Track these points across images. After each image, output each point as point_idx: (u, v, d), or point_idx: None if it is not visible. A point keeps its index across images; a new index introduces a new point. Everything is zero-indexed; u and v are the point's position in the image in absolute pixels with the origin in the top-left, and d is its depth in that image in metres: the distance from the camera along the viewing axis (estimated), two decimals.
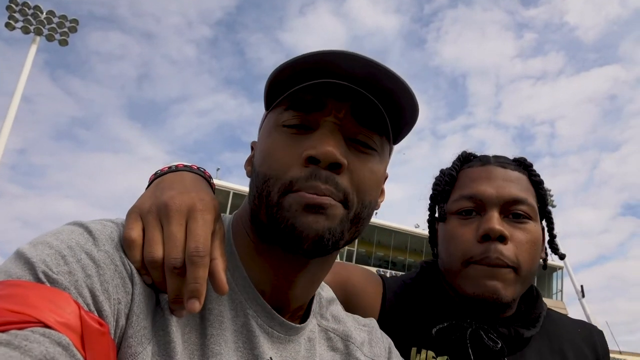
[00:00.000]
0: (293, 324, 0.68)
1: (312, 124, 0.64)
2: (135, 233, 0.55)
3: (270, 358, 0.63)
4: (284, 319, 0.67)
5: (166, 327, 0.55)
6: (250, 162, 0.74)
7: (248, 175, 0.72)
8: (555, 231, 1.04)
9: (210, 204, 0.60)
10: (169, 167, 0.70)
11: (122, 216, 0.61)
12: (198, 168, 0.72)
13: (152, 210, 0.57)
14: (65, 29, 19.62)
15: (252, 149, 0.76)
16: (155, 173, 0.70)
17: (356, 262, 28.71)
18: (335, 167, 0.60)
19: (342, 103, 0.63)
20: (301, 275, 0.67)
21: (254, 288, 0.65)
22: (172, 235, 0.54)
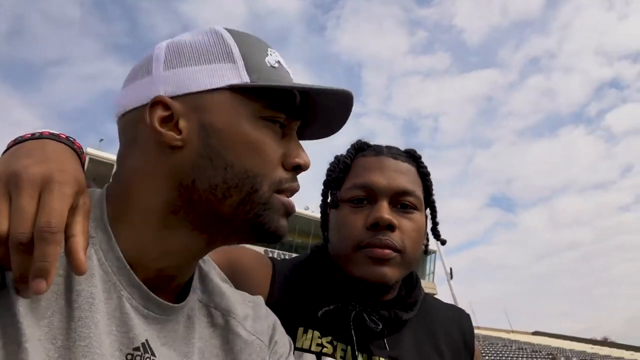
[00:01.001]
0: (170, 303, 0.65)
1: (286, 130, 0.67)
2: None
3: (147, 340, 0.60)
4: (161, 300, 0.63)
5: (12, 307, 0.50)
6: (169, 124, 0.61)
7: (172, 143, 0.60)
8: (437, 219, 1.11)
9: (71, 176, 0.54)
10: (32, 134, 0.62)
11: None
12: (67, 138, 0.64)
13: (1, 179, 0.51)
14: None
15: (165, 105, 0.61)
16: (15, 140, 0.62)
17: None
18: (302, 170, 0.67)
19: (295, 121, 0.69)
20: (199, 256, 0.68)
21: (129, 269, 0.60)
22: (20, 207, 0.48)
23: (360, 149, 1.08)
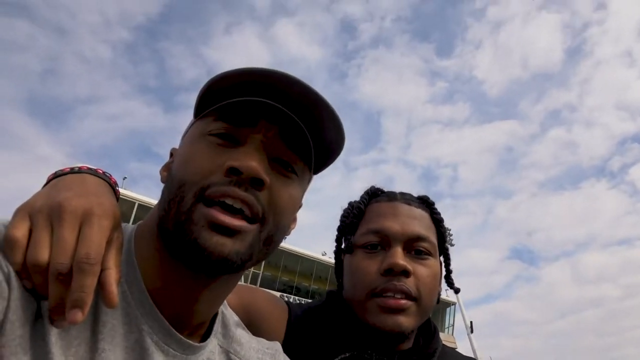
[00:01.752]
0: (192, 342, 0.66)
1: (239, 138, 0.64)
2: (20, 232, 0.51)
3: None
4: (182, 336, 0.64)
5: (46, 337, 0.51)
6: (167, 168, 0.71)
7: (162, 181, 0.69)
8: (451, 267, 1.09)
9: (109, 209, 0.56)
10: (71, 168, 0.65)
11: (8, 216, 0.55)
12: (104, 173, 0.68)
13: (43, 210, 0.53)
14: None
15: (172, 155, 0.74)
16: (55, 173, 0.65)
17: (261, 286, 28.39)
18: (257, 183, 0.60)
19: (272, 124, 0.64)
20: (205, 292, 0.65)
21: (151, 303, 0.62)
22: (61, 238, 0.50)
23: (374, 195, 1.09)
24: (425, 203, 1.08)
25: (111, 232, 0.55)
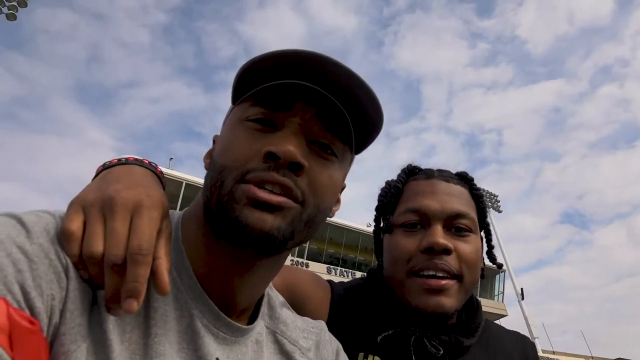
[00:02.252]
0: (240, 325, 0.68)
1: (277, 123, 0.64)
2: (75, 225, 0.53)
3: (217, 359, 0.62)
4: (230, 319, 0.66)
5: (103, 324, 0.53)
6: (210, 155, 0.73)
7: (206, 168, 0.71)
8: (493, 242, 1.10)
9: (158, 200, 0.58)
10: (119, 160, 0.68)
11: (63, 203, 0.57)
12: (150, 163, 0.71)
13: (96, 203, 0.55)
14: (14, 3, 18.60)
15: (214, 142, 0.75)
16: (104, 164, 0.68)
17: (307, 259, 28.84)
18: (295, 167, 0.61)
19: (309, 106, 0.64)
20: (250, 274, 0.67)
21: (200, 288, 0.64)
22: (114, 230, 0.52)
23: (411, 172, 1.08)
24: (464, 179, 1.07)
25: (160, 222, 0.57)
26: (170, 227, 0.61)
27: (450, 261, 0.93)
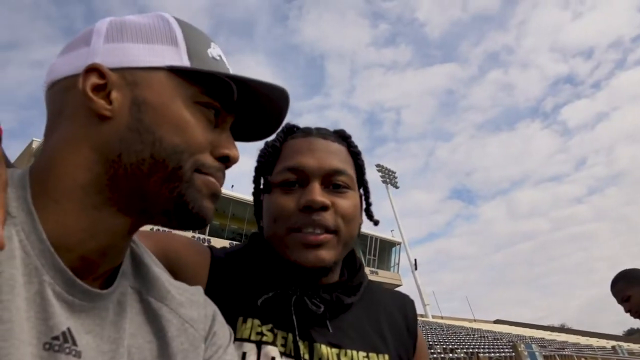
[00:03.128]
0: (97, 290, 0.62)
1: (219, 120, 0.67)
2: None
3: (68, 329, 0.57)
4: (87, 286, 0.60)
5: None
6: (101, 92, 0.60)
7: (101, 112, 0.60)
8: (371, 200, 1.11)
9: None
10: None
11: None
12: None
13: None
14: None
15: (100, 73, 0.61)
16: None
17: (209, 235, 28.40)
18: (231, 163, 0.67)
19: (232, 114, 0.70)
20: (127, 238, 0.65)
21: (53, 252, 0.58)
22: None
23: (289, 131, 1.08)
24: (342, 137, 1.09)
25: None
26: (4, 176, 0.54)
27: (328, 217, 0.95)
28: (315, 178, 0.97)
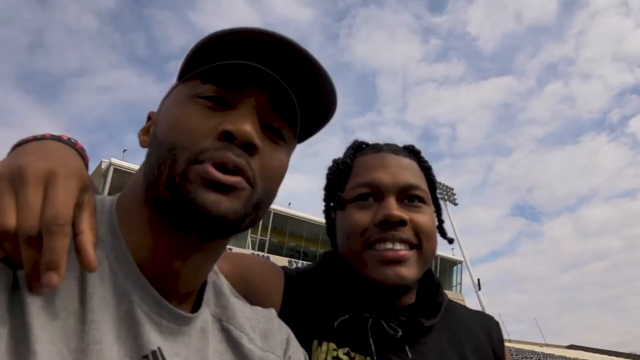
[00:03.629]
0: (183, 312, 0.65)
1: (230, 102, 0.63)
2: None
3: (159, 348, 0.59)
4: (172, 307, 0.63)
5: (24, 307, 0.50)
6: (146, 132, 0.71)
7: (143, 145, 0.68)
8: (451, 233, 1.08)
9: (75, 171, 0.54)
10: (34, 137, 0.64)
11: None
12: (69, 139, 0.67)
13: (4, 176, 0.51)
14: None
15: (149, 118, 0.73)
16: (17, 142, 0.63)
17: (268, 252, 28.77)
18: (250, 148, 0.60)
19: (263, 89, 0.63)
20: (194, 258, 0.65)
21: (140, 273, 0.61)
22: (26, 201, 0.49)
23: (358, 148, 1.07)
24: (412, 152, 1.07)
25: (79, 193, 0.53)
26: (93, 202, 0.56)
27: (407, 232, 0.92)
28: (390, 193, 0.94)
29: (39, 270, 0.48)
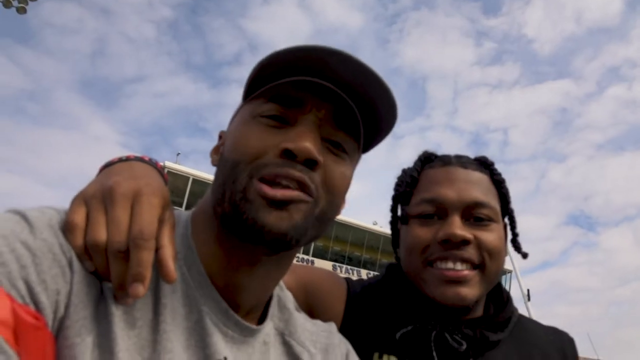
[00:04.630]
0: (249, 324, 0.68)
1: (290, 120, 0.65)
2: (78, 217, 0.54)
3: (225, 358, 0.62)
4: (239, 318, 0.66)
5: (109, 317, 0.54)
6: (217, 151, 0.74)
7: (213, 164, 0.72)
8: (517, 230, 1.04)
9: (157, 189, 0.59)
10: (120, 158, 0.71)
11: (68, 196, 0.60)
12: (150, 160, 0.73)
13: (97, 195, 0.57)
14: None
15: (220, 137, 0.76)
16: (105, 163, 0.70)
17: (313, 256, 28.85)
18: (311, 163, 0.62)
19: (323, 103, 0.65)
20: (259, 271, 0.67)
21: (211, 285, 0.65)
22: (115, 217, 0.54)
23: (427, 160, 1.04)
24: (484, 164, 1.02)
25: (162, 210, 0.58)
26: (173, 218, 0.61)
27: (470, 251, 0.89)
28: (455, 211, 0.92)
29: (125, 282, 0.53)
